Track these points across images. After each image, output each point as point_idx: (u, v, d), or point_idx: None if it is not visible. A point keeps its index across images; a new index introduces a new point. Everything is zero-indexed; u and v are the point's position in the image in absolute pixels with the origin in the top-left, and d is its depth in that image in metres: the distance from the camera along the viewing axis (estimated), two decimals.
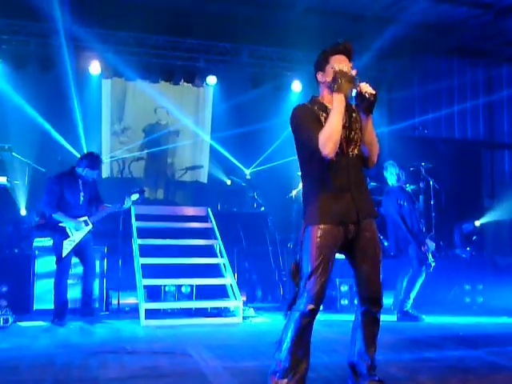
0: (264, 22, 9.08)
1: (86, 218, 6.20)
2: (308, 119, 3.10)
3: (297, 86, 10.20)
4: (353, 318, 3.26)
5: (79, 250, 6.24)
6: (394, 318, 6.53)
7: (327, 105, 3.14)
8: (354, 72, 3.09)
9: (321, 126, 3.04)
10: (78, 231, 6.13)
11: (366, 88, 3.02)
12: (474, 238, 9.77)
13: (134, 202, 6.55)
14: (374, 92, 3.02)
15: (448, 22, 9.39)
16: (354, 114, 3.20)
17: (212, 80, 10.00)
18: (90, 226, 6.23)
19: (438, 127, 10.96)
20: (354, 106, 3.24)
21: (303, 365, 3.04)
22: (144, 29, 9.03)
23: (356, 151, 3.15)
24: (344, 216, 3.07)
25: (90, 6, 8.20)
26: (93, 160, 6.31)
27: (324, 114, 3.10)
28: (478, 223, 10.09)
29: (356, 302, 3.26)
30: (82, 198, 6.22)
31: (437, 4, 8.82)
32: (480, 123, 11.34)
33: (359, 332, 3.17)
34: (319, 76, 3.19)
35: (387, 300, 7.25)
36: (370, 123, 3.14)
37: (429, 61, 10.62)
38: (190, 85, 10.21)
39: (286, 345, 3.02)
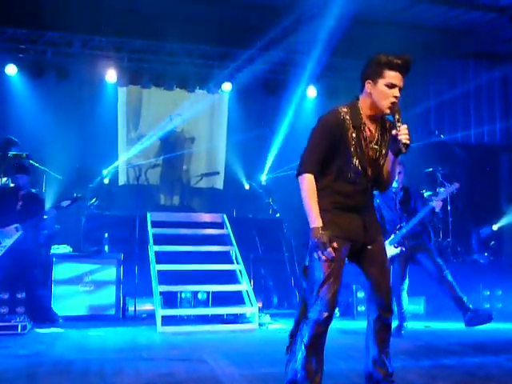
0: (277, 26, 9.08)
1: (17, 225, 6.51)
2: (320, 139, 2.99)
3: (312, 91, 10.18)
4: None
5: (18, 259, 6.50)
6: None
7: (364, 118, 3.02)
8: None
9: (325, 150, 2.96)
10: (8, 238, 6.48)
11: (404, 135, 2.93)
12: (492, 242, 9.66)
13: (64, 207, 6.75)
14: (408, 142, 2.94)
15: (463, 26, 9.32)
16: (386, 136, 3.10)
17: (227, 87, 10.01)
18: (20, 232, 6.51)
19: (454, 132, 10.86)
20: (390, 124, 3.10)
21: (319, 373, 3.01)
22: (158, 36, 9.09)
23: (375, 172, 3.09)
24: (351, 234, 3.04)
25: (105, 15, 8.27)
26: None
27: (354, 133, 2.97)
28: (495, 227, 9.97)
29: (364, 308, 3.26)
30: (18, 208, 6.66)
31: (451, 8, 8.76)
32: (497, 127, 11.22)
33: (372, 339, 3.14)
34: (368, 85, 3.01)
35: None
36: (396, 161, 3.11)
37: (444, 65, 10.54)
38: (205, 91, 10.25)
39: (301, 354, 2.99)
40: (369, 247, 3.10)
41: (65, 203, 6.72)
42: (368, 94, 3.02)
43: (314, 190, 2.98)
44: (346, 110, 3.03)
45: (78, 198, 6.85)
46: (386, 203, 6.08)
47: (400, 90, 2.98)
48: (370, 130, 3.04)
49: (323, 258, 2.90)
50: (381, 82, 2.96)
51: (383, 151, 3.08)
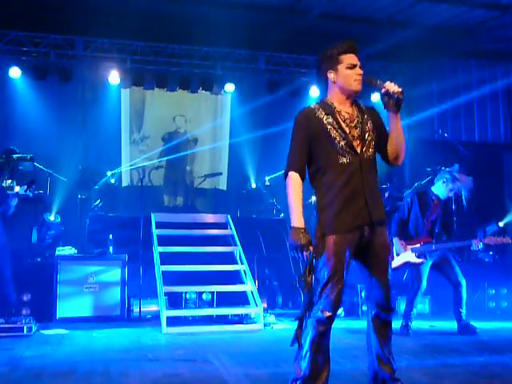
0: (279, 27, 9.08)
1: None
2: (297, 136, 3.12)
3: (314, 91, 10.18)
4: None
5: None
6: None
7: (336, 105, 3.14)
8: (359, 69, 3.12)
9: (306, 146, 3.07)
10: None
11: (393, 87, 3.03)
12: None
13: (22, 194, 6.73)
14: (400, 90, 3.03)
15: (465, 25, 9.30)
16: (365, 115, 3.18)
17: (230, 87, 9.97)
18: None
19: (458, 130, 10.84)
20: (363, 107, 3.22)
21: (324, 372, 3.01)
22: (160, 38, 9.12)
23: (369, 152, 3.12)
24: (358, 220, 3.03)
25: (106, 17, 8.29)
26: None
27: (330, 119, 3.09)
28: (501, 224, 9.93)
29: (366, 308, 3.24)
30: None
31: (453, 6, 8.74)
32: (500, 125, 11.20)
33: (373, 337, 3.15)
34: (331, 75, 3.15)
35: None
36: (398, 122, 3.12)
37: (446, 64, 10.52)
38: (208, 93, 10.24)
39: (306, 352, 2.99)
40: (375, 242, 3.08)
41: (21, 190, 6.71)
42: (334, 84, 3.17)
43: (299, 189, 3.10)
44: (315, 105, 3.21)
45: (31, 182, 6.84)
46: (420, 209, 6.05)
47: (361, 67, 3.14)
48: (347, 113, 3.14)
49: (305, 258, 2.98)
50: (342, 67, 3.13)
51: (367, 127, 3.14)
